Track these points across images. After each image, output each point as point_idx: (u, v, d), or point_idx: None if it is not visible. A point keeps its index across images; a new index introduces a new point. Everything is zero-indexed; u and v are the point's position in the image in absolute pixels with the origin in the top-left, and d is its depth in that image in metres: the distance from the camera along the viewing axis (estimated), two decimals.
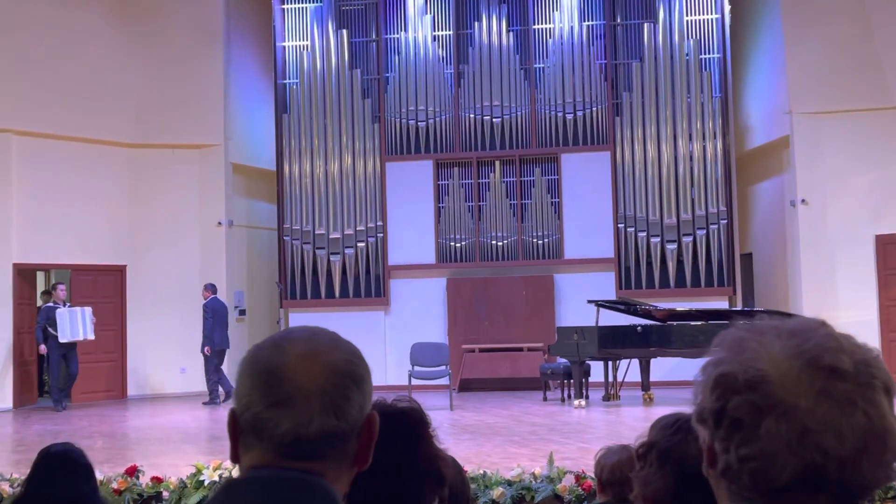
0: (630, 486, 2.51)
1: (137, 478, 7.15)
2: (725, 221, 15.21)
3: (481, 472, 6.88)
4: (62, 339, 13.77)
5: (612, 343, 12.42)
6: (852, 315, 13.64)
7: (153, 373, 15.44)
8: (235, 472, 5.90)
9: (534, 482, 6.71)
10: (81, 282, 15.13)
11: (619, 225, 15.45)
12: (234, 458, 1.29)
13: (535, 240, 15.61)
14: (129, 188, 15.68)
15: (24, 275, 14.80)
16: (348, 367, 1.27)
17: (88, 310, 14.23)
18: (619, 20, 15.98)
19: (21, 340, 14.45)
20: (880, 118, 14.36)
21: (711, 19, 15.77)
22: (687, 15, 15.72)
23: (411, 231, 15.83)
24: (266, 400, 1.24)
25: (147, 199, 15.70)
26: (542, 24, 16.08)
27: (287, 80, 16.48)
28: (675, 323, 12.52)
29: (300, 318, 15.59)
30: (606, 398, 12.93)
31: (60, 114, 14.70)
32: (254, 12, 17.10)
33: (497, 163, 15.81)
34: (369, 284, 15.88)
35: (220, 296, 15.35)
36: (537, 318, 15.39)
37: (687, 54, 15.51)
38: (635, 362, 13.18)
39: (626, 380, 13.21)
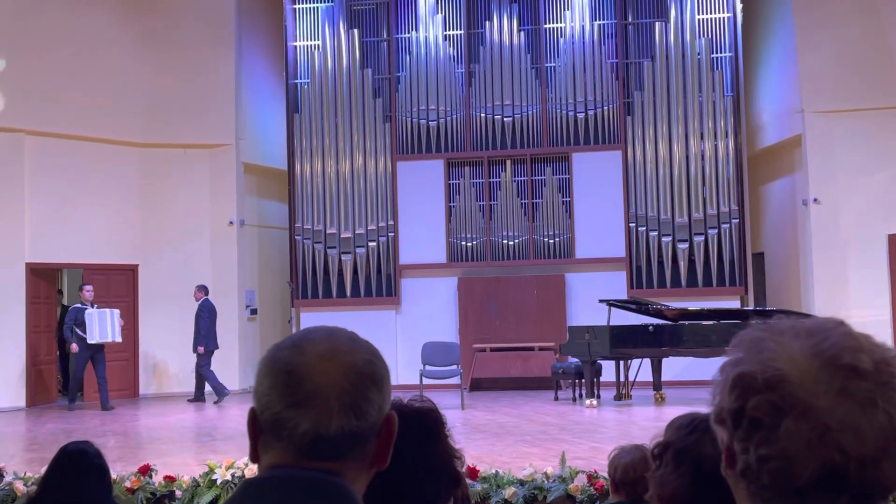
0: (643, 485, 2.51)
1: (150, 477, 7.17)
2: (737, 221, 15.17)
3: (493, 471, 6.88)
4: (90, 341, 13.72)
5: (624, 342, 12.40)
6: (865, 314, 13.59)
7: (165, 372, 15.49)
8: (248, 472, 5.91)
9: (546, 482, 6.71)
10: (94, 281, 15.15)
11: (631, 224, 15.43)
12: (254, 458, 1.29)
13: (546, 239, 15.60)
14: (140, 188, 15.73)
15: (44, 274, 14.89)
16: (368, 368, 1.28)
17: (116, 312, 14.22)
18: (630, 19, 15.95)
19: (35, 340, 14.52)
20: (893, 117, 14.32)
21: (723, 18, 15.73)
22: (698, 14, 15.68)
23: (422, 230, 15.84)
24: (286, 400, 1.24)
25: (159, 199, 15.75)
26: (553, 23, 16.06)
27: (298, 80, 16.51)
28: (686, 322, 12.49)
29: (311, 318, 15.61)
30: (618, 398, 12.91)
31: (72, 114, 14.75)
32: (265, 12, 17.13)
33: (508, 162, 15.81)
34: (380, 284, 15.89)
35: (230, 296, 15.44)
36: (548, 317, 15.38)
37: (698, 53, 15.48)
38: (647, 362, 13.16)
39: (637, 379, 13.19)
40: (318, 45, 16.41)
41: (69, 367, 15.11)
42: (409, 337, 15.22)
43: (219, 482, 6.98)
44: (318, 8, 16.52)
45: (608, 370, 13.17)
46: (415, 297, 15.87)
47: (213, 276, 15.73)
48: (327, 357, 1.26)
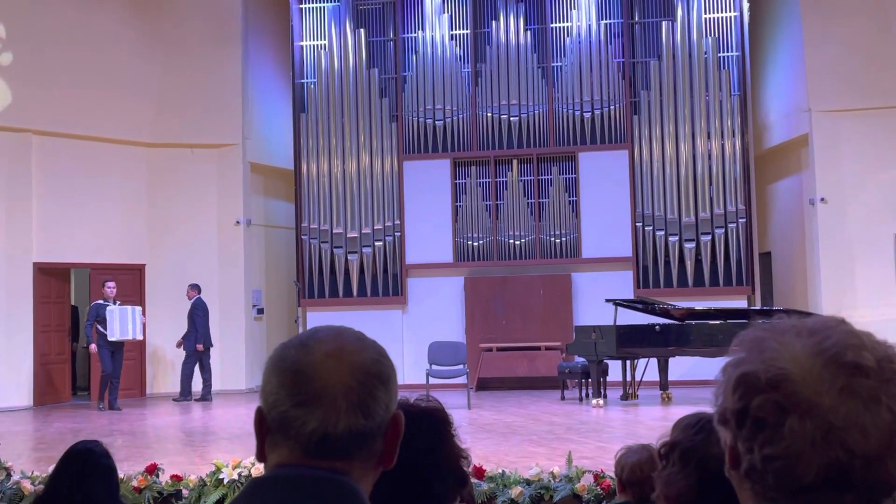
0: (650, 485, 2.51)
1: (157, 476, 7.19)
2: (744, 220, 15.15)
3: (500, 471, 6.88)
4: (111, 338, 13.69)
5: (630, 342, 12.39)
6: (872, 314, 13.57)
7: (172, 371, 15.50)
8: (255, 471, 5.92)
9: (552, 481, 6.70)
10: (101, 281, 15.21)
11: (637, 224, 15.41)
12: (261, 457, 1.29)
13: (552, 239, 15.59)
14: (147, 188, 15.76)
15: (56, 274, 14.93)
16: (375, 367, 1.28)
17: (138, 309, 14.20)
18: (636, 18, 15.94)
19: (44, 339, 14.57)
20: None
21: (730, 17, 15.71)
22: (705, 13, 15.66)
23: (429, 230, 15.84)
24: (293, 399, 1.24)
25: (165, 199, 15.78)
26: (559, 22, 16.06)
27: (305, 80, 16.53)
28: (693, 322, 12.47)
29: (318, 317, 15.62)
30: (624, 397, 12.91)
31: (80, 114, 14.79)
32: (271, 12, 17.15)
33: (514, 161, 15.80)
34: (387, 283, 15.91)
35: (237, 295, 15.48)
36: (555, 317, 15.37)
37: (705, 52, 15.46)
38: (653, 361, 13.15)
39: (644, 379, 13.18)
40: (325, 45, 16.43)
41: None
42: (415, 336, 15.23)
43: (225, 481, 6.99)
44: (324, 8, 16.54)
45: (614, 370, 13.17)
46: (421, 296, 15.88)
47: (219, 275, 15.77)
48: (335, 356, 1.26)
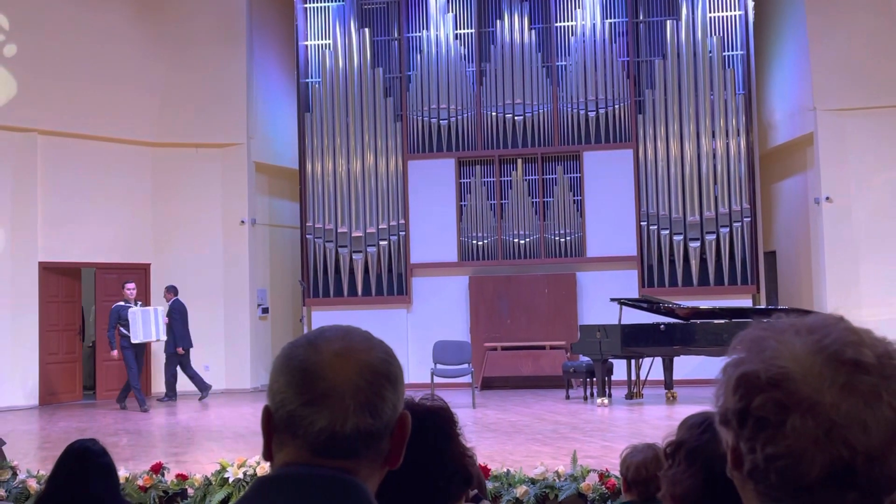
0: (655, 484, 2.52)
1: (162, 475, 7.20)
2: (749, 219, 15.13)
3: (505, 470, 6.88)
4: (134, 340, 13.49)
5: (635, 341, 12.39)
6: (876, 313, 13.54)
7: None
8: (260, 470, 5.92)
9: (557, 480, 6.71)
10: (106, 280, 15.26)
11: (642, 223, 15.40)
12: (268, 456, 1.29)
13: (557, 238, 15.59)
14: (152, 187, 15.79)
15: (67, 273, 14.97)
16: (383, 366, 1.28)
17: (160, 309, 14.02)
18: (641, 17, 15.93)
19: (50, 338, 14.60)
20: None
21: (735, 16, 15.69)
22: (710, 12, 15.65)
23: (433, 229, 15.85)
24: (301, 397, 1.24)
25: (170, 198, 15.81)
26: (564, 21, 16.05)
27: (309, 79, 16.53)
28: (698, 321, 12.47)
29: (323, 317, 15.64)
30: (629, 396, 12.90)
31: (85, 113, 14.82)
32: (276, 11, 17.16)
33: (519, 161, 15.80)
34: (391, 283, 15.91)
35: (242, 295, 15.48)
36: (560, 316, 15.37)
37: (710, 51, 15.44)
38: (658, 360, 13.14)
39: (649, 378, 13.18)
40: (329, 45, 16.43)
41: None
42: (420, 336, 15.23)
43: (231, 480, 7.00)
44: (329, 7, 16.55)
45: (619, 369, 13.16)
46: (426, 295, 15.89)
47: (224, 274, 15.80)
48: (343, 355, 1.27)
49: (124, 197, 15.44)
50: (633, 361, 12.89)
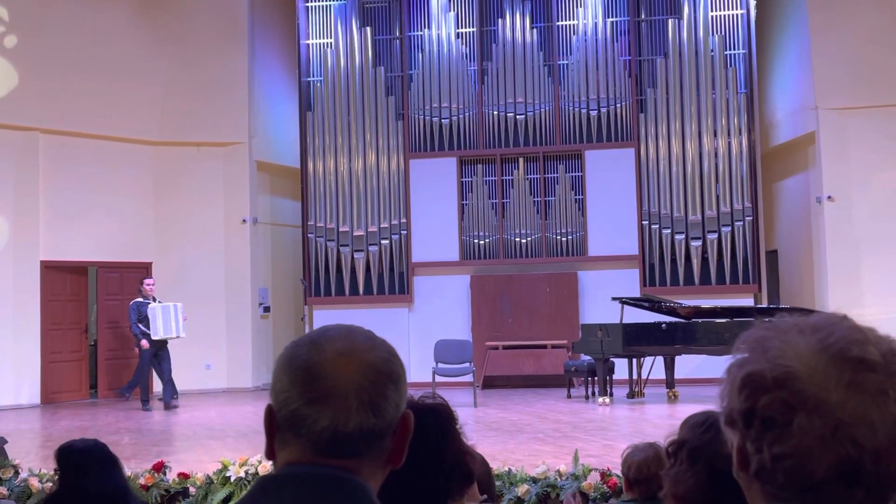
0: (657, 483, 2.51)
1: (164, 474, 7.21)
2: (751, 218, 15.12)
3: (506, 469, 6.89)
4: (154, 337, 13.38)
5: (637, 340, 12.39)
6: (879, 312, 13.53)
7: (178, 369, 15.50)
8: (262, 469, 5.91)
9: (559, 479, 6.71)
10: (107, 278, 15.27)
11: (644, 222, 15.39)
12: (270, 455, 1.29)
13: (558, 237, 15.58)
14: (154, 186, 15.79)
15: (74, 271, 14.98)
16: (386, 366, 1.28)
17: (179, 305, 13.84)
18: (643, 16, 15.92)
19: (52, 337, 14.60)
20: None
21: (736, 15, 15.68)
22: (712, 10, 15.64)
23: (435, 228, 15.84)
24: (304, 396, 1.24)
25: (172, 197, 15.81)
26: (565, 20, 16.04)
27: (311, 78, 16.54)
28: (700, 320, 12.46)
29: (324, 316, 15.65)
30: (631, 395, 12.90)
31: (86, 112, 14.82)
32: (278, 10, 17.16)
33: (521, 160, 15.79)
34: (393, 281, 15.91)
35: (243, 293, 15.49)
36: (561, 315, 15.37)
37: (712, 50, 15.43)
38: (660, 359, 13.14)
39: (650, 377, 13.17)
40: (331, 43, 16.43)
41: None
42: (421, 335, 15.23)
43: (232, 479, 7.00)
44: (330, 6, 16.54)
45: (621, 368, 13.16)
46: (427, 294, 15.88)
47: (225, 273, 15.80)
48: (346, 354, 1.27)
49: (126, 195, 15.44)
50: (634, 360, 12.88)
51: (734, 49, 15.67)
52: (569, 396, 13.46)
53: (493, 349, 15.26)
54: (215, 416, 12.56)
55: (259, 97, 16.61)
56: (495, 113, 15.87)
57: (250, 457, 7.19)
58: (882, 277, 14.24)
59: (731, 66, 15.53)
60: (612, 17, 15.84)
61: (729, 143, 15.30)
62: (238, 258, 15.94)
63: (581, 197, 15.65)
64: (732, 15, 15.70)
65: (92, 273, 15.56)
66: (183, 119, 15.82)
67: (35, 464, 7.81)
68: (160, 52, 15.70)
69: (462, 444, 2.07)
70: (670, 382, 13.02)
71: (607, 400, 12.48)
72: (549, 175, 15.80)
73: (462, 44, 16.15)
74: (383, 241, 15.92)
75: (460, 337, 14.50)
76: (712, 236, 15.16)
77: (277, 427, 1.27)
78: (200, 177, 15.90)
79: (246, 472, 6.99)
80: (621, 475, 3.40)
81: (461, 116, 15.91)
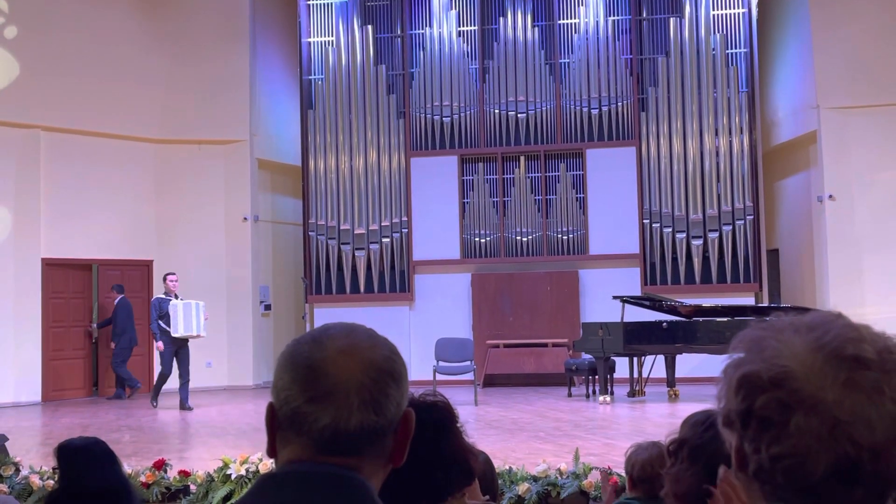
0: (660, 482, 2.51)
1: (165, 471, 7.21)
2: (752, 217, 15.12)
3: (507, 467, 6.89)
4: (175, 334, 12.94)
5: (638, 339, 12.39)
6: (880, 312, 13.53)
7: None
8: (262, 467, 5.92)
9: (559, 478, 6.71)
10: (108, 276, 15.27)
11: (645, 221, 15.39)
12: (271, 453, 1.29)
13: (559, 235, 15.58)
14: (155, 184, 15.79)
15: (78, 268, 14.98)
16: (387, 364, 1.29)
17: (202, 304, 13.31)
18: (644, 15, 15.91)
19: (54, 335, 14.61)
20: None
21: (738, 13, 15.67)
22: (713, 9, 15.63)
23: (436, 226, 15.84)
24: (306, 394, 1.25)
25: (173, 195, 15.81)
26: (567, 19, 16.03)
27: (312, 76, 16.54)
28: (700, 319, 12.46)
29: (325, 314, 15.65)
30: (631, 394, 12.90)
31: (87, 110, 14.82)
32: (279, 8, 17.16)
33: (522, 158, 15.79)
34: (394, 280, 15.91)
35: (244, 291, 15.50)
36: (562, 313, 15.37)
37: (713, 49, 15.42)
38: (660, 358, 13.14)
39: (651, 376, 13.17)
40: (332, 42, 16.43)
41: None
42: (422, 333, 15.23)
43: (233, 477, 7.01)
44: (332, 4, 16.54)
45: (622, 367, 13.15)
46: (428, 293, 15.88)
47: (227, 271, 15.80)
48: (347, 352, 1.27)
49: (127, 193, 15.44)
50: (635, 359, 12.88)
51: (736, 48, 15.66)
52: (569, 395, 13.46)
53: (494, 347, 15.26)
54: (216, 414, 12.56)
55: (260, 95, 16.61)
56: (496, 111, 15.86)
57: (251, 455, 7.19)
58: (883, 277, 14.23)
59: (732, 64, 15.52)
60: (614, 15, 15.83)
61: (730, 141, 15.29)
62: (239, 256, 15.95)
63: (582, 195, 15.65)
64: (734, 14, 15.69)
65: (93, 270, 15.56)
66: (184, 117, 15.82)
67: (36, 461, 7.81)
68: (162, 50, 15.70)
69: (462, 441, 2.07)
70: (671, 381, 13.03)
71: (608, 398, 12.48)
72: (551, 173, 15.79)
73: (463, 42, 16.15)
74: (384, 240, 15.92)
75: (461, 335, 14.50)
76: (713, 235, 15.15)
77: (279, 425, 1.28)
78: (201, 175, 15.90)
79: (247, 470, 6.99)
80: (625, 474, 3.41)
81: (462, 115, 15.91)
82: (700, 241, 15.18)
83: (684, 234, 15.22)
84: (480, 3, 16.15)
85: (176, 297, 13.26)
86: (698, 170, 15.30)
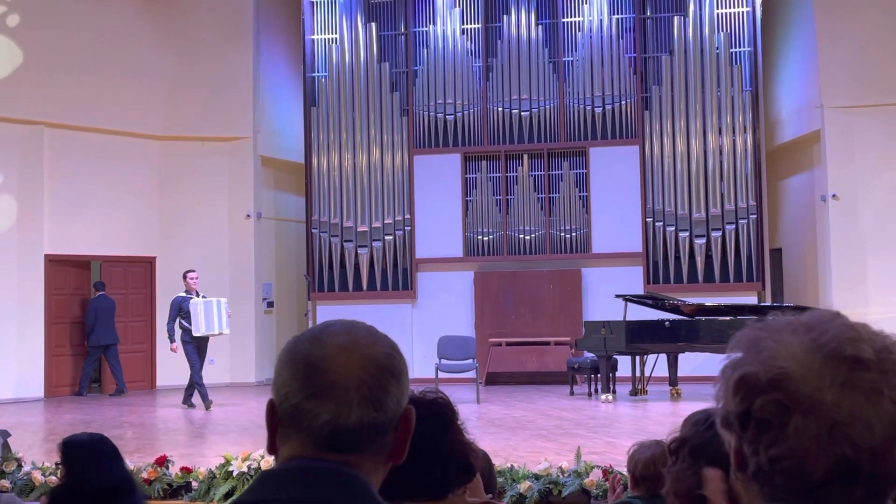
0: (663, 481, 2.51)
1: (167, 468, 7.22)
2: (755, 216, 15.11)
3: (508, 465, 6.89)
4: (196, 333, 12.61)
5: (640, 338, 12.39)
6: (883, 311, 13.52)
7: (182, 363, 15.52)
8: (264, 464, 5.93)
9: (561, 476, 6.71)
10: (111, 273, 15.28)
11: (648, 219, 15.38)
12: (272, 450, 1.29)
13: (562, 234, 15.57)
14: (158, 180, 15.81)
15: (80, 265, 14.98)
16: (387, 361, 1.29)
17: (223, 301, 12.99)
18: (648, 13, 15.89)
19: (56, 331, 14.62)
20: None
21: (742, 12, 15.65)
22: (717, 8, 15.60)
23: (439, 224, 15.84)
24: (306, 391, 1.25)
25: (176, 192, 15.82)
26: (570, 17, 16.02)
27: (316, 74, 16.54)
28: (703, 318, 12.45)
29: (328, 311, 15.66)
30: (634, 393, 12.90)
31: (91, 107, 14.83)
32: (283, 6, 17.17)
33: (525, 156, 15.79)
34: (397, 277, 15.92)
35: (247, 288, 15.50)
36: (564, 312, 15.36)
37: (717, 48, 15.41)
38: (663, 357, 13.14)
39: (653, 374, 13.17)
40: (336, 39, 16.43)
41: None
42: (424, 331, 15.24)
43: (235, 474, 7.01)
44: (335, 1, 16.54)
45: (624, 365, 13.15)
46: (431, 290, 15.89)
47: (229, 268, 15.81)
48: (347, 349, 1.27)
49: (130, 190, 15.45)
50: (637, 358, 12.88)
51: (740, 47, 15.64)
52: (572, 393, 13.46)
53: (497, 346, 15.26)
54: (218, 410, 12.57)
55: (264, 92, 16.61)
56: (500, 109, 15.86)
57: (253, 451, 7.20)
58: (886, 276, 14.21)
59: (736, 63, 15.51)
60: (618, 14, 15.81)
61: (734, 140, 15.27)
62: (242, 253, 15.96)
63: (585, 194, 15.64)
64: (738, 13, 15.67)
65: (93, 267, 15.56)
66: (187, 114, 15.83)
67: (38, 457, 7.83)
68: (165, 47, 15.71)
69: (462, 438, 2.07)
70: (673, 380, 13.03)
71: (610, 397, 12.49)
72: (554, 172, 15.79)
73: (467, 40, 16.14)
74: (387, 237, 15.92)
75: (463, 333, 14.50)
76: (716, 234, 15.14)
77: (279, 421, 1.27)
78: (205, 172, 15.91)
79: (248, 467, 7.00)
80: (627, 472, 3.41)
81: (466, 113, 15.91)
82: (703, 240, 15.17)
83: (687, 233, 15.21)
84: (484, 1, 16.15)
85: (197, 294, 12.96)
86: (702, 169, 15.28)
